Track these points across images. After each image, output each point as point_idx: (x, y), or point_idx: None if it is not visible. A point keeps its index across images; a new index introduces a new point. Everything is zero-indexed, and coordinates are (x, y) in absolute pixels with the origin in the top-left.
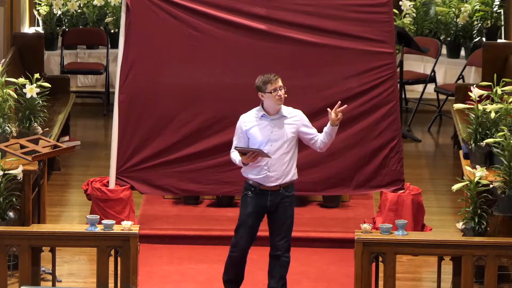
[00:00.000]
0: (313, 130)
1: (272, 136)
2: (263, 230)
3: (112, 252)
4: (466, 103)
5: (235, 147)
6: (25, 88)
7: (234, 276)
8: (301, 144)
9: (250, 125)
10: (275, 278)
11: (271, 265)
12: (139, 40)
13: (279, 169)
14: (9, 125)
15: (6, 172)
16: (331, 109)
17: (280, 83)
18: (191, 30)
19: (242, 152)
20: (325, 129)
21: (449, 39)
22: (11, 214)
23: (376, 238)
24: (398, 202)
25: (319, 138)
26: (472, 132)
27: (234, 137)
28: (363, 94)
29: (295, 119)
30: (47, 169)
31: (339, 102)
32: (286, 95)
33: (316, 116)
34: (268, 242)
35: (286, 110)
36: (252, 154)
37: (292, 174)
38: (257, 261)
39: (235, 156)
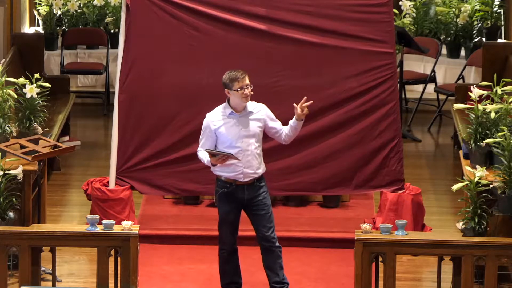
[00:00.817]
0: (278, 124)
1: (242, 133)
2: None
3: (112, 252)
4: (466, 103)
5: (206, 149)
6: (25, 88)
7: (231, 278)
8: (301, 144)
9: (218, 124)
10: (276, 271)
11: (267, 259)
12: (139, 40)
13: (253, 164)
14: (9, 125)
15: (6, 172)
16: (330, 110)
17: (247, 81)
18: (191, 30)
19: (213, 154)
20: (291, 122)
21: (449, 39)
22: (11, 214)
23: (376, 238)
24: (398, 202)
25: (284, 131)
26: (472, 132)
27: (201, 136)
28: (363, 94)
29: (261, 114)
30: (47, 169)
31: (305, 97)
32: (252, 93)
33: (316, 116)
34: None
35: (251, 105)
36: (222, 157)
37: (263, 167)
38: (257, 261)
39: (202, 155)
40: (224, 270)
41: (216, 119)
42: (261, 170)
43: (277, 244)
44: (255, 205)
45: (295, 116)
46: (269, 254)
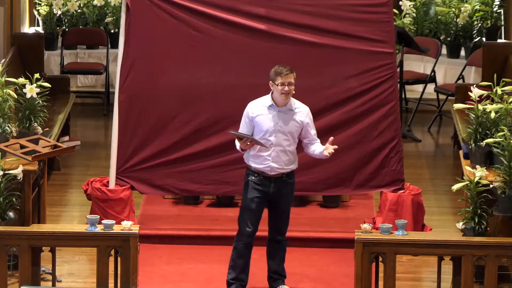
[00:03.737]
0: (313, 132)
1: (277, 127)
2: (263, 230)
3: (112, 252)
4: (466, 103)
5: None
6: (25, 88)
7: (238, 274)
8: (301, 144)
9: (257, 112)
10: (277, 261)
11: (272, 248)
12: (139, 40)
13: (281, 160)
14: (9, 125)
15: (6, 172)
16: (330, 110)
17: (290, 78)
18: (191, 30)
19: (238, 137)
20: (318, 150)
21: (449, 39)
22: (11, 214)
23: (376, 238)
24: (398, 202)
25: (312, 147)
26: (472, 132)
27: (241, 123)
28: (363, 94)
29: (302, 115)
30: (47, 169)
31: (332, 138)
32: (294, 92)
33: (316, 116)
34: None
35: (294, 103)
36: (247, 140)
37: (293, 164)
38: (257, 261)
39: (236, 142)
40: (235, 264)
41: (255, 107)
42: (291, 167)
43: (285, 238)
44: (278, 199)
45: (323, 151)
46: (275, 244)
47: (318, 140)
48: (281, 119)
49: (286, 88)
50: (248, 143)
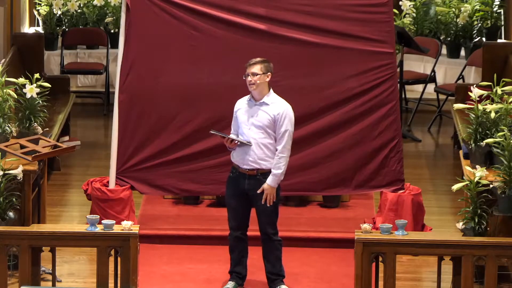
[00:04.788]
0: (281, 130)
1: (252, 120)
2: None
3: (112, 252)
4: (466, 103)
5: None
6: (25, 88)
7: (234, 267)
8: (301, 144)
9: (239, 107)
10: (271, 260)
11: (265, 248)
12: (139, 40)
13: (255, 152)
14: (9, 125)
15: (6, 172)
16: (330, 110)
17: (253, 69)
18: (191, 30)
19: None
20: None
21: (449, 39)
22: (11, 214)
23: (376, 238)
24: (398, 202)
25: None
26: (472, 132)
27: None
28: (363, 94)
29: (275, 110)
30: (47, 169)
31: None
32: (258, 82)
33: (316, 116)
34: None
35: (271, 98)
36: (227, 140)
37: (270, 162)
38: (257, 261)
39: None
40: (230, 257)
41: (240, 102)
42: (267, 163)
43: (275, 238)
44: (255, 198)
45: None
46: (266, 244)
47: (279, 148)
48: (255, 112)
49: (249, 78)
50: (230, 142)
